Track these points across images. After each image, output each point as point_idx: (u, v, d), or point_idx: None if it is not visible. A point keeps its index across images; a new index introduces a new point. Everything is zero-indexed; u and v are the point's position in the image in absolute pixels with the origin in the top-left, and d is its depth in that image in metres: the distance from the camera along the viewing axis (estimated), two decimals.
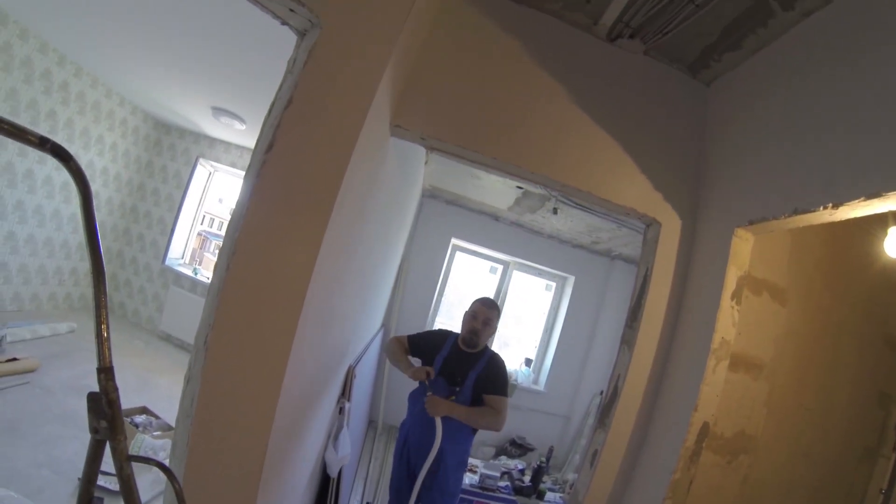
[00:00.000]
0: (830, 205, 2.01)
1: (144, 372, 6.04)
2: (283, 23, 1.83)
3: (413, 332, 3.89)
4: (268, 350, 1.77)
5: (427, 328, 4.43)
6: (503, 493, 4.95)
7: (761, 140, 2.56)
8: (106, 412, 1.03)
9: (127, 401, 4.49)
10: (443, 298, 7.74)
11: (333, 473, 3.24)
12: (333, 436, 3.26)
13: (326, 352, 2.67)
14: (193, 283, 7.81)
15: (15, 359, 4.64)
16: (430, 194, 7.10)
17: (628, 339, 2.92)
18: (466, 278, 7.92)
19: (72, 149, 6.36)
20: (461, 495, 4.62)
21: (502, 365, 3.56)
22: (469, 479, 4.96)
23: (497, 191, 5.96)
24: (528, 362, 8.01)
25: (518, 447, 6.95)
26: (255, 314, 1.74)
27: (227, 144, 7.90)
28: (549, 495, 5.19)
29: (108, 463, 1.06)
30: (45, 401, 4.35)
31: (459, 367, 3.49)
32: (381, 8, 1.88)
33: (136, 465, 1.08)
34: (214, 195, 8.90)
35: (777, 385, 3.20)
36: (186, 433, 1.71)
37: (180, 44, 4.53)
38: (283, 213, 1.75)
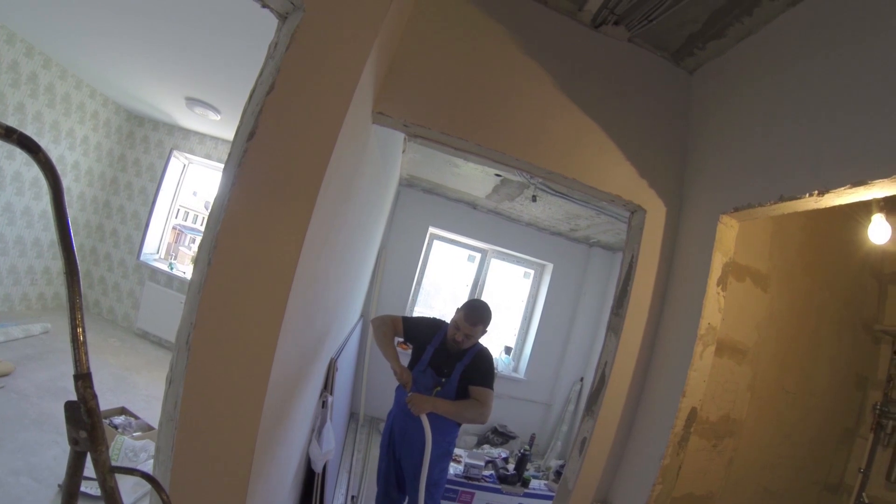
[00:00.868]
0: (816, 192, 2.02)
1: (121, 371, 5.94)
2: (264, 5, 1.75)
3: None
4: (253, 347, 1.69)
5: (410, 316, 4.43)
6: (488, 482, 4.95)
7: (746, 128, 2.56)
8: (85, 422, 0.98)
9: (104, 401, 4.43)
10: (421, 287, 7.70)
11: (318, 469, 3.20)
12: (317, 430, 3.22)
13: (309, 345, 2.61)
14: (169, 279, 7.68)
15: None
16: (408, 183, 7.05)
17: (615, 326, 2.91)
18: (444, 267, 7.87)
19: (42, 143, 6.17)
20: (446, 485, 4.61)
21: (489, 358, 3.58)
22: (454, 468, 4.95)
23: (475, 179, 5.93)
24: (507, 350, 8.02)
25: (500, 435, 6.95)
26: (239, 310, 1.67)
27: (202, 136, 7.73)
28: (533, 483, 5.18)
29: (90, 466, 1.01)
30: (20, 405, 4.25)
31: (448, 358, 3.49)
32: None
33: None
34: (189, 188, 8.73)
35: (760, 369, 3.24)
36: (171, 438, 1.65)
37: (153, 32, 4.42)
38: (266, 204, 1.67)
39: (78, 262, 0.99)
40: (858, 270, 3.65)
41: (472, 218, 7.44)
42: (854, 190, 1.90)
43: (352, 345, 5.00)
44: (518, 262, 8.06)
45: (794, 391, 3.41)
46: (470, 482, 4.87)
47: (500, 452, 5.97)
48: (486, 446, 6.59)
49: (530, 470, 5.50)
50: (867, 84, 1.93)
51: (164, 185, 7.80)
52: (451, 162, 5.44)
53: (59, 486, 3.31)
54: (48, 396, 4.49)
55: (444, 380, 3.43)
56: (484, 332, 3.57)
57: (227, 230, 1.62)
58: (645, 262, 2.86)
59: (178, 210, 8.98)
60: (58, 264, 7.17)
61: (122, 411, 4.58)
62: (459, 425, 3.60)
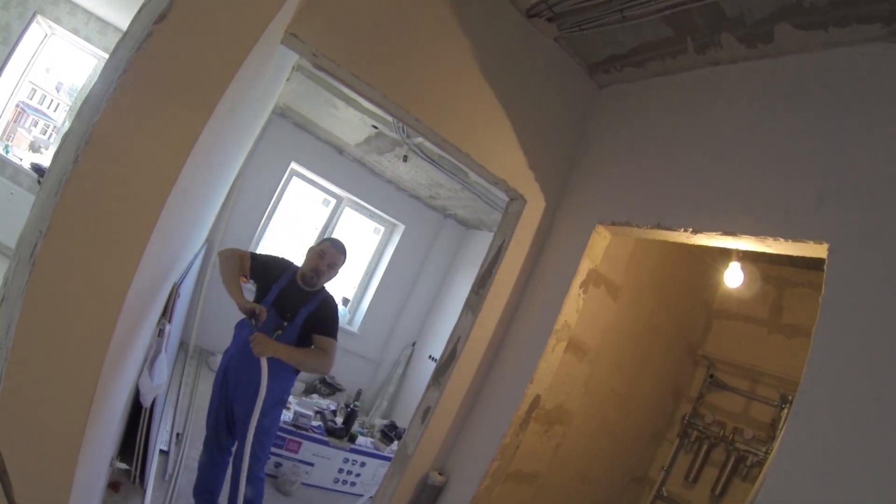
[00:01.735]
0: (691, 230, 2.24)
1: None
2: None
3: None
4: (112, 267, 1.46)
5: (251, 250, 4.14)
6: (316, 432, 4.88)
7: (641, 154, 2.73)
8: None
9: None
10: (270, 223, 7.41)
11: (146, 403, 2.96)
12: (150, 361, 2.95)
13: (161, 267, 2.37)
14: (2, 163, 6.60)
15: None
16: (281, 113, 6.73)
17: (473, 304, 2.98)
18: (298, 207, 7.60)
19: None
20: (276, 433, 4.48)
21: (335, 307, 3.49)
22: (283, 415, 4.80)
23: (351, 125, 5.79)
24: (345, 302, 7.98)
25: (328, 386, 6.90)
26: (103, 223, 1.41)
27: (74, 5, 6.58)
28: (360, 439, 5.18)
29: None
30: None
31: (293, 301, 3.34)
32: None
33: None
34: (44, 63, 7.59)
35: (597, 369, 3.51)
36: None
37: None
38: (160, 102, 1.42)
39: None
40: (694, 301, 4.10)
41: (336, 162, 7.26)
42: (723, 237, 2.15)
43: (193, 271, 4.69)
44: (371, 216, 8.01)
45: (621, 393, 3.74)
46: (298, 431, 4.78)
47: (328, 404, 5.89)
48: (314, 395, 6.50)
49: (356, 426, 5.47)
50: (752, 153, 2.18)
51: (16, 52, 6.63)
52: (331, 102, 5.28)
53: None
54: None
55: (286, 324, 3.28)
56: (343, 264, 3.50)
57: (106, 123, 1.35)
58: (515, 249, 2.94)
59: (27, 86, 7.76)
60: None
61: None
62: (297, 374, 3.47)
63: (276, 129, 6.84)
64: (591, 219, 2.76)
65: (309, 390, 6.80)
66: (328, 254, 3.36)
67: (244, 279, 3.56)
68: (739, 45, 2.33)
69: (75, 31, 6.66)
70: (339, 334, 6.80)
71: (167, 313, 3.18)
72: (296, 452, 4.75)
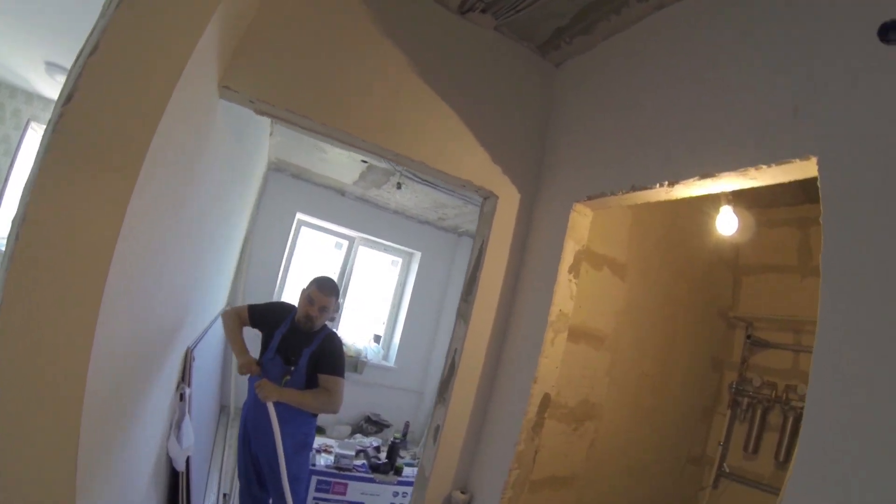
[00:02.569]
0: (667, 183, 2.10)
1: None
2: None
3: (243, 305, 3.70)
4: (66, 335, 1.48)
5: (257, 304, 4.24)
6: (360, 471, 4.88)
7: (605, 121, 2.63)
8: None
9: None
10: (288, 275, 7.45)
11: (180, 467, 3.01)
12: (175, 425, 3.02)
13: (153, 334, 2.40)
14: None
15: None
16: (276, 167, 6.80)
17: (464, 312, 2.92)
18: (312, 255, 7.67)
19: None
20: (319, 477, 4.52)
21: (338, 344, 3.50)
22: (325, 459, 4.89)
23: (342, 165, 5.80)
24: (377, 339, 7.93)
25: (374, 424, 6.89)
26: (48, 293, 1.46)
27: None
28: (406, 471, 5.16)
29: None
30: None
31: (296, 344, 3.40)
32: None
33: None
34: None
35: (619, 355, 3.36)
36: None
37: None
38: (81, 175, 1.47)
39: None
40: (713, 263, 3.88)
41: (340, 205, 7.27)
42: (702, 182, 1.99)
43: (215, 334, 4.77)
44: (386, 249, 7.97)
45: (653, 375, 3.56)
46: (342, 472, 4.79)
47: (371, 441, 5.91)
48: (358, 435, 6.50)
49: (405, 458, 5.48)
50: (717, 84, 2.04)
51: (18, 160, 6.85)
52: (318, 147, 5.29)
53: None
54: None
55: (292, 368, 3.33)
56: (337, 305, 3.52)
57: (36, 201, 1.42)
58: (496, 248, 2.87)
59: None
60: None
61: None
62: (315, 416, 3.50)
63: (276, 183, 6.90)
64: (568, 199, 2.68)
65: (354, 431, 6.80)
66: (316, 299, 3.40)
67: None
68: None
69: None
70: (377, 371, 6.89)
71: (185, 377, 3.26)
72: (343, 494, 4.75)
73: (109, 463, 2.00)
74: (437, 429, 2.82)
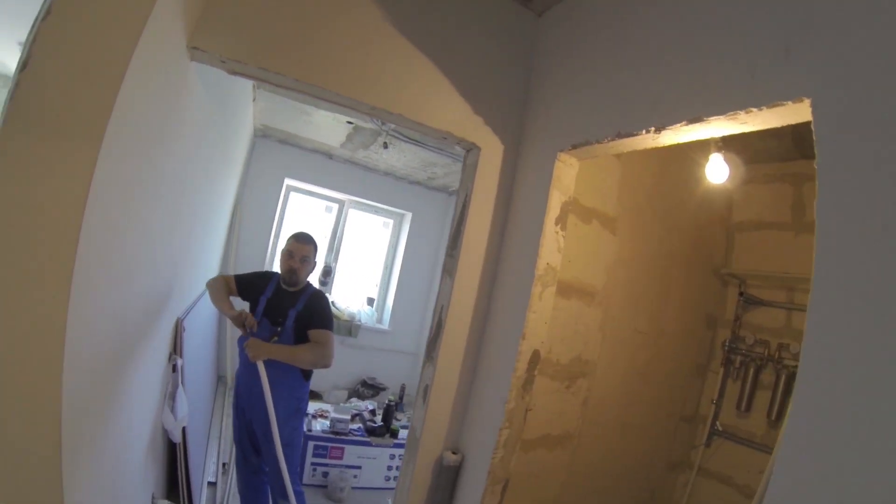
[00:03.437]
0: (653, 128, 2.02)
1: None
2: None
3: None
4: (37, 314, 1.44)
5: (241, 273, 4.20)
6: (356, 435, 4.89)
7: (589, 68, 2.54)
8: None
9: None
10: (279, 242, 7.36)
11: (176, 438, 3.02)
12: (169, 396, 3.01)
13: (137, 304, 2.37)
14: None
15: None
16: (262, 133, 6.71)
17: (449, 267, 2.85)
18: (303, 219, 7.61)
19: None
20: (315, 442, 4.53)
21: (324, 300, 3.48)
22: (321, 425, 4.88)
23: (328, 127, 5.72)
24: (370, 302, 7.93)
25: (370, 388, 6.91)
26: (14, 270, 1.40)
27: None
28: (402, 433, 5.16)
29: None
30: None
31: (281, 306, 3.38)
32: None
33: None
34: None
35: (611, 311, 3.31)
36: None
37: None
38: (42, 145, 1.41)
39: None
40: (706, 219, 3.83)
41: (329, 168, 7.20)
42: (690, 127, 1.90)
43: (207, 306, 4.74)
44: (377, 211, 7.92)
45: (646, 331, 3.52)
46: (338, 437, 4.80)
47: (367, 405, 5.91)
48: (354, 399, 6.53)
49: (401, 420, 5.49)
50: (705, 28, 1.94)
51: None
52: (302, 110, 5.21)
53: None
54: None
55: (279, 329, 3.31)
56: (315, 257, 3.52)
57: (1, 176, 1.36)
58: (479, 201, 2.80)
59: None
60: None
61: None
62: (308, 380, 3.49)
63: (263, 150, 6.84)
64: (552, 149, 2.59)
65: (351, 395, 6.83)
66: (295, 251, 3.39)
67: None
68: None
69: None
70: (371, 335, 6.89)
71: (177, 348, 3.24)
72: (340, 458, 4.77)
73: (96, 438, 1.97)
74: (426, 389, 2.78)
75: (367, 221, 8.03)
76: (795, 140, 3.34)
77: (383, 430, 5.02)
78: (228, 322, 6.26)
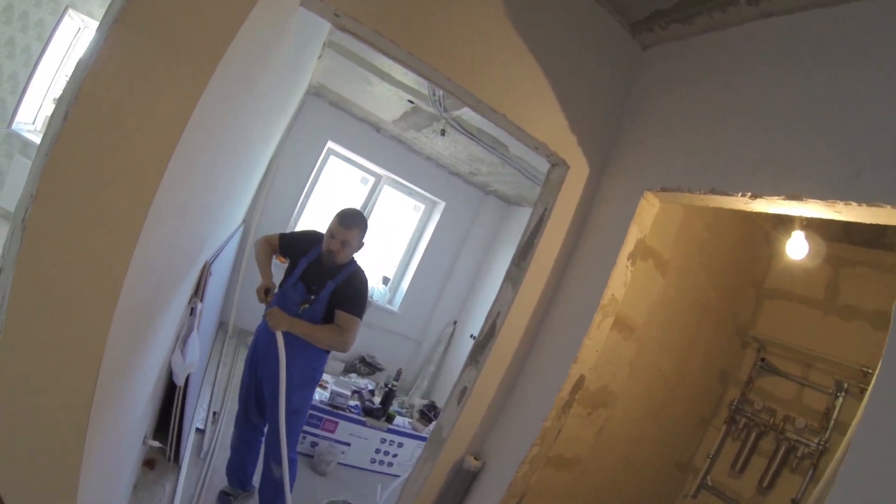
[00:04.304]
0: (749, 194, 2.02)
1: None
2: None
3: (275, 232, 3.58)
4: (108, 232, 1.36)
5: (289, 231, 4.06)
6: (353, 412, 4.82)
7: (692, 116, 2.51)
8: None
9: None
10: (308, 202, 7.40)
11: (180, 381, 2.95)
12: (182, 339, 2.92)
13: (182, 242, 2.28)
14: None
15: None
16: (316, 92, 6.65)
17: (514, 277, 2.82)
18: (336, 185, 7.57)
19: None
20: (311, 411, 4.45)
21: (363, 281, 3.34)
22: (319, 394, 4.78)
23: (386, 101, 5.67)
24: (385, 281, 7.93)
25: (367, 366, 6.88)
26: (94, 183, 1.31)
27: None
28: (398, 419, 5.10)
29: None
30: None
31: (321, 274, 3.25)
32: None
33: None
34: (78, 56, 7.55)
35: (643, 348, 3.32)
36: None
37: None
38: (152, 56, 1.32)
39: None
40: (744, 279, 3.87)
41: (374, 140, 7.15)
42: (786, 202, 1.91)
43: (229, 251, 4.67)
44: (411, 193, 7.91)
45: (668, 374, 3.54)
46: (335, 410, 4.72)
47: (366, 383, 5.84)
48: (352, 375, 6.47)
49: (395, 405, 5.41)
50: (821, 107, 1.93)
51: (51, 47, 6.60)
52: (365, 78, 5.16)
53: None
54: None
55: (312, 297, 3.21)
56: (361, 240, 3.32)
57: (96, 76, 1.26)
58: (558, 218, 2.76)
59: (62, 80, 7.66)
60: None
61: None
62: (328, 353, 3.39)
63: (312, 108, 6.77)
64: (639, 185, 2.56)
65: (348, 370, 6.78)
66: (336, 233, 3.20)
67: (281, 259, 3.51)
68: None
69: None
70: (380, 314, 6.84)
71: (199, 292, 3.14)
72: (332, 432, 4.71)
73: (128, 375, 1.90)
74: (464, 391, 2.75)
75: (399, 201, 8.02)
76: (846, 225, 3.31)
77: (380, 413, 4.97)
78: (242, 272, 6.22)
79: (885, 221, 1.67)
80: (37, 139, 6.55)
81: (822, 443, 3.27)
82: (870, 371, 3.14)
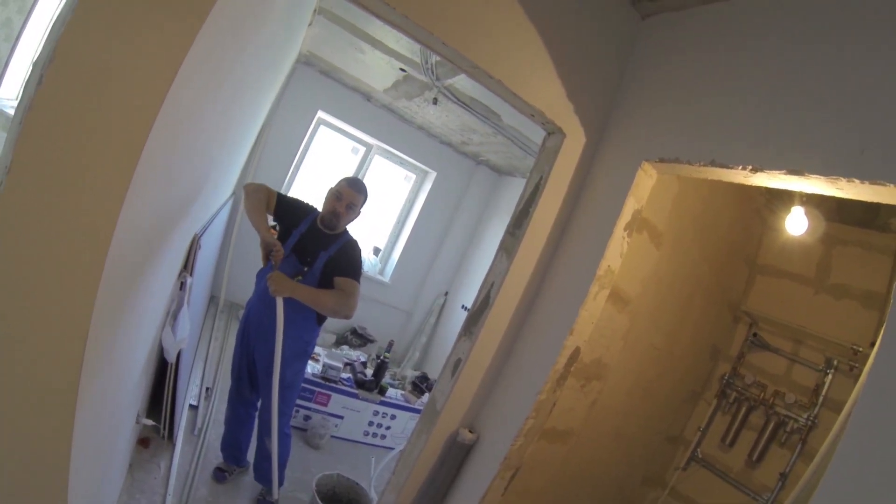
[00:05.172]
0: (750, 167, 1.99)
1: None
2: None
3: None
4: (92, 199, 1.28)
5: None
6: (345, 385, 4.80)
7: (692, 87, 2.45)
8: None
9: None
10: (299, 172, 7.31)
11: (171, 358, 2.89)
12: (172, 315, 2.86)
13: (169, 213, 2.21)
14: None
15: None
16: (306, 61, 6.53)
17: (508, 246, 2.77)
18: (327, 155, 7.46)
19: None
20: (303, 384, 4.40)
21: (357, 250, 3.33)
22: (311, 367, 4.76)
23: (378, 69, 5.57)
24: (376, 251, 7.92)
25: (359, 337, 6.86)
26: (73, 152, 1.22)
27: None
28: (390, 392, 5.09)
29: None
30: None
31: (313, 246, 3.21)
32: None
33: None
34: None
35: (636, 321, 3.32)
36: None
37: None
38: (135, 10, 1.21)
39: None
40: (737, 254, 3.91)
41: (365, 109, 7.05)
42: (787, 177, 1.88)
43: (219, 223, 4.57)
44: (402, 163, 7.85)
45: (660, 348, 3.56)
46: (327, 383, 4.70)
47: (358, 355, 5.81)
48: (344, 347, 6.44)
49: (387, 377, 5.39)
50: (829, 83, 1.88)
51: (32, 19, 6.40)
52: (356, 46, 5.06)
53: None
54: None
55: (306, 269, 3.16)
56: (360, 208, 3.33)
57: (72, 35, 1.15)
58: (554, 187, 2.71)
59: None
60: None
61: None
62: (320, 325, 3.34)
63: (302, 77, 6.65)
64: (637, 155, 2.51)
65: (340, 342, 6.75)
66: (345, 194, 3.19)
67: (272, 230, 3.43)
68: None
69: None
70: (371, 285, 6.80)
71: (188, 266, 3.06)
72: (325, 405, 4.70)
73: (116, 341, 1.87)
74: (458, 363, 2.71)
75: (390, 171, 7.96)
76: (840, 205, 3.34)
77: (373, 385, 4.95)
78: (233, 245, 6.12)
79: (887, 200, 1.66)
80: None
81: (812, 418, 3.34)
82: (860, 349, 3.20)
